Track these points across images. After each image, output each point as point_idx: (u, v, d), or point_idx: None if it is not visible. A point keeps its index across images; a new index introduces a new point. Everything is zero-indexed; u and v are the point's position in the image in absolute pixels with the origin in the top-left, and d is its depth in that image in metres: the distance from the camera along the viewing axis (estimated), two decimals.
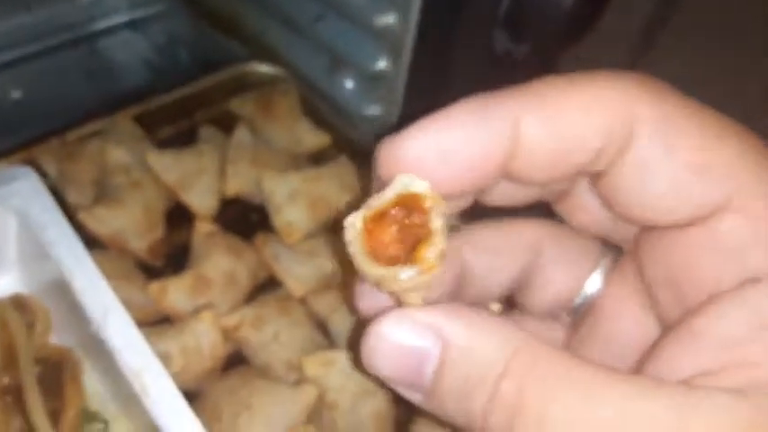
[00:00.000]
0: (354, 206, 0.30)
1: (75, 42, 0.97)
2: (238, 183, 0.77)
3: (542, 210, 0.38)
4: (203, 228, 0.73)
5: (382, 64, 0.80)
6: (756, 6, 0.84)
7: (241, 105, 0.85)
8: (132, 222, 0.72)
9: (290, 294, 0.71)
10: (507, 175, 0.32)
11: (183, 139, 0.81)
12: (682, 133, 0.30)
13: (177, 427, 0.51)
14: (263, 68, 0.91)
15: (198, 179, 0.76)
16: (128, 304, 0.56)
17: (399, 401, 0.33)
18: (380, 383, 0.32)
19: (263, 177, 0.76)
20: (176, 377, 0.54)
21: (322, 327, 0.70)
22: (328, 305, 0.71)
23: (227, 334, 0.66)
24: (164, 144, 0.80)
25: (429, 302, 0.31)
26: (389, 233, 0.29)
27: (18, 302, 0.60)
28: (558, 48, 0.75)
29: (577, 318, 0.39)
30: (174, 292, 0.68)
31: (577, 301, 0.39)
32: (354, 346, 0.64)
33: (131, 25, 1.00)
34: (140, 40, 1.00)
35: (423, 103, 0.76)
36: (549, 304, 0.40)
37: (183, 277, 0.69)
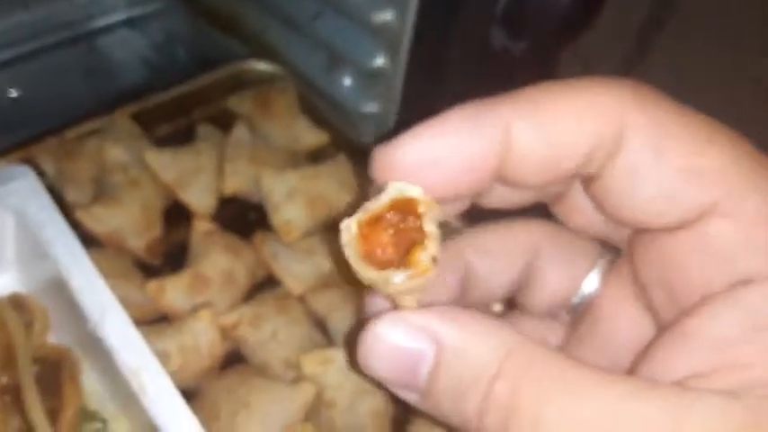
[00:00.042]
0: (353, 206, 0.31)
1: (73, 41, 0.97)
2: (236, 181, 0.77)
3: (542, 210, 0.39)
4: (201, 226, 0.73)
5: (380, 61, 0.80)
6: (754, 8, 0.84)
7: (239, 103, 0.85)
8: (130, 221, 0.72)
9: (288, 293, 0.71)
10: (501, 179, 0.33)
11: (181, 138, 0.81)
12: (672, 138, 0.30)
13: (175, 425, 0.51)
14: (261, 66, 0.90)
15: (196, 177, 0.76)
16: (126, 303, 0.56)
17: (397, 400, 0.33)
18: (377, 384, 0.32)
19: (262, 175, 0.76)
20: (174, 376, 0.55)
21: (320, 325, 0.71)
22: (327, 303, 0.71)
23: (225, 332, 0.66)
24: (162, 142, 0.80)
25: (425, 305, 0.31)
26: (385, 237, 0.30)
27: (16, 302, 0.60)
28: (556, 45, 0.75)
29: (576, 317, 0.40)
30: (172, 291, 0.68)
31: (575, 300, 0.39)
32: (350, 346, 0.64)
33: (129, 23, 1.00)
34: (138, 38, 1.00)
35: (421, 101, 0.77)
36: (548, 304, 0.40)
37: (181, 276, 0.69)
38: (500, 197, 0.36)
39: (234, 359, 0.67)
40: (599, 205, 0.34)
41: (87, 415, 0.58)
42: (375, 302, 0.37)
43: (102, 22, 0.99)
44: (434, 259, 0.29)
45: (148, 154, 0.76)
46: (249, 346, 0.67)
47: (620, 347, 0.37)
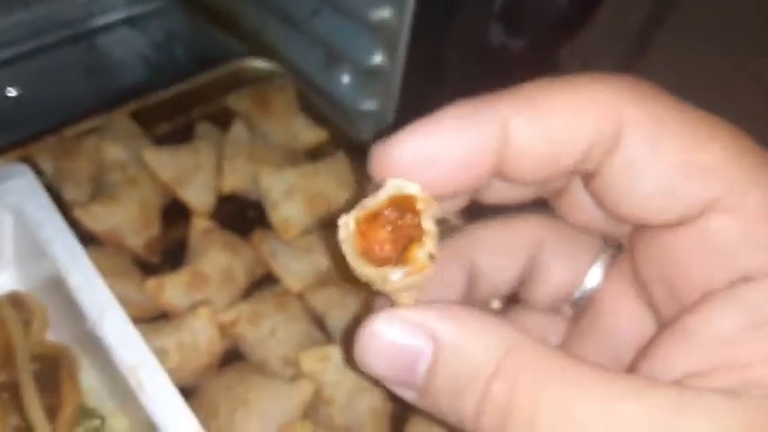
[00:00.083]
0: (351, 204, 0.31)
1: (73, 39, 0.97)
2: (235, 179, 0.77)
3: (542, 205, 0.39)
4: (200, 224, 0.73)
5: (378, 58, 0.80)
6: (754, 6, 0.84)
7: (238, 101, 0.85)
8: (129, 219, 0.72)
9: (287, 290, 0.71)
10: (500, 175, 0.33)
11: (180, 136, 0.81)
12: (671, 134, 0.30)
13: (174, 423, 0.51)
14: (260, 64, 0.90)
15: (194, 175, 0.76)
16: (124, 301, 0.56)
17: (395, 397, 0.33)
18: (374, 381, 0.32)
19: (260, 173, 0.76)
20: (173, 373, 0.55)
21: (319, 322, 0.71)
22: (325, 301, 0.71)
23: (223, 330, 0.66)
24: (160, 141, 0.80)
25: (424, 302, 0.31)
26: (382, 234, 0.29)
27: (15, 300, 0.61)
28: (555, 42, 0.75)
29: (578, 311, 0.40)
30: (171, 289, 0.68)
31: (577, 294, 0.39)
32: (347, 344, 0.64)
33: (129, 22, 1.00)
34: (137, 36, 1.00)
35: (419, 98, 0.77)
36: (551, 298, 0.40)
37: (179, 274, 0.69)
38: (499, 193, 0.35)
39: (232, 356, 0.67)
40: (598, 201, 0.34)
41: (86, 412, 0.58)
42: (382, 302, 0.37)
43: (101, 20, 0.99)
44: (432, 256, 0.29)
45: (147, 152, 0.76)
46: (248, 343, 0.67)
47: (622, 343, 0.37)
